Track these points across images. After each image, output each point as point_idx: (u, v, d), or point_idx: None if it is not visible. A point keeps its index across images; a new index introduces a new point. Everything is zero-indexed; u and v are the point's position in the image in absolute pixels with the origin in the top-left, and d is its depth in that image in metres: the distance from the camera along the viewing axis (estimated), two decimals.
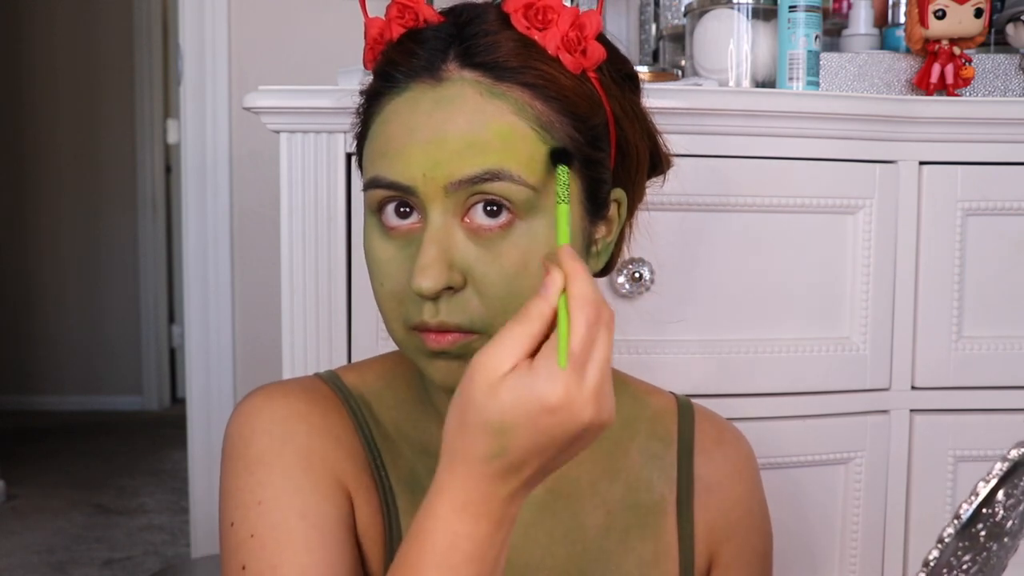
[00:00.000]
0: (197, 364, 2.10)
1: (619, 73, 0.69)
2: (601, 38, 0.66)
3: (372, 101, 0.66)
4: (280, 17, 2.01)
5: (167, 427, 3.98)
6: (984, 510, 0.53)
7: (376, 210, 0.64)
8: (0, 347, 4.22)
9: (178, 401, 4.41)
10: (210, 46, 2.02)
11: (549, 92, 0.63)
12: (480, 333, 0.62)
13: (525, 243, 0.62)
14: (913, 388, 1.13)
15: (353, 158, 1.04)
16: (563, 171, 0.61)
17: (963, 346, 1.12)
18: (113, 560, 2.62)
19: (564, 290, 0.54)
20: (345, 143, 1.04)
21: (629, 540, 0.74)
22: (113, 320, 4.36)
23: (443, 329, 0.62)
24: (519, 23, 0.64)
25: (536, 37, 0.64)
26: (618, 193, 0.69)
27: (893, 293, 1.11)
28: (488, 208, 0.61)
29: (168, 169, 4.39)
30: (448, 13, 0.66)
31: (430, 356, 0.64)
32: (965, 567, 0.54)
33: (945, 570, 0.53)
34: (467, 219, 0.62)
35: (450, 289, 0.61)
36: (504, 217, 0.61)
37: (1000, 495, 0.54)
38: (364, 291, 1.05)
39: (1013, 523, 0.55)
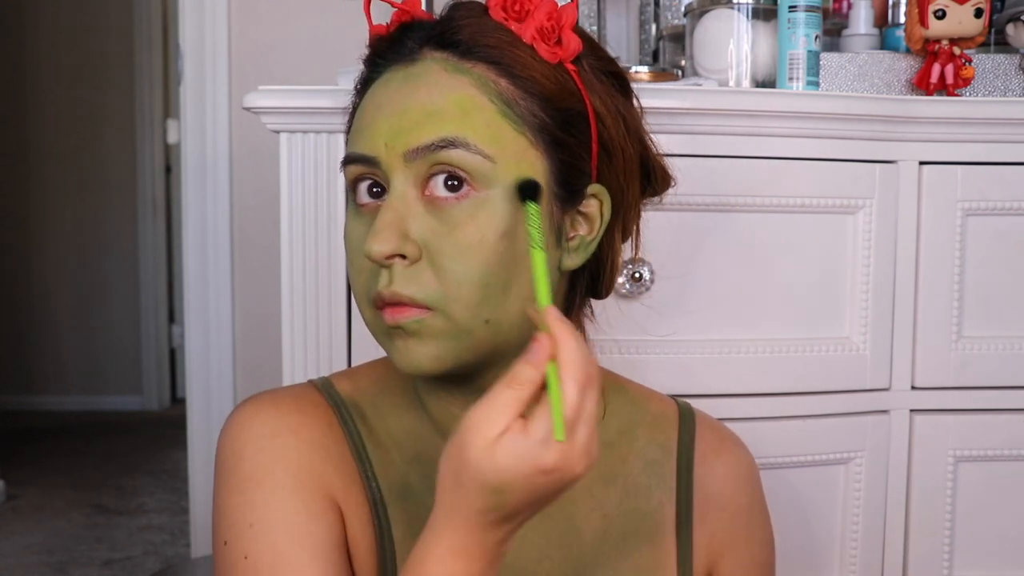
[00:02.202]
0: (197, 364, 2.10)
1: (602, 70, 0.69)
2: (580, 32, 0.67)
3: (359, 92, 0.69)
4: (280, 17, 2.02)
5: (167, 427, 3.98)
6: None
7: (351, 189, 0.66)
8: (0, 347, 4.22)
9: (178, 401, 4.41)
10: (210, 46, 2.02)
11: (514, 70, 0.64)
12: (435, 309, 0.62)
13: (482, 216, 0.62)
14: (913, 388, 1.13)
15: None
16: (534, 210, 0.61)
17: (963, 346, 1.12)
18: (113, 560, 2.62)
19: (552, 354, 0.55)
20: (345, 143, 1.04)
21: (626, 546, 0.73)
22: (113, 320, 4.36)
23: (396, 300, 0.62)
24: (496, 14, 0.66)
25: (512, 27, 0.65)
26: (596, 188, 0.68)
27: (893, 293, 1.11)
28: (448, 183, 0.62)
29: (168, 169, 4.39)
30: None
31: (390, 336, 0.64)
32: None
33: None
34: (427, 192, 0.63)
35: (403, 259, 0.62)
36: (463, 189, 0.62)
37: None
38: None
39: None
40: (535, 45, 0.65)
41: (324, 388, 0.73)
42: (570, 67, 0.66)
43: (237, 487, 0.67)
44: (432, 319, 0.62)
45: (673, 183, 0.75)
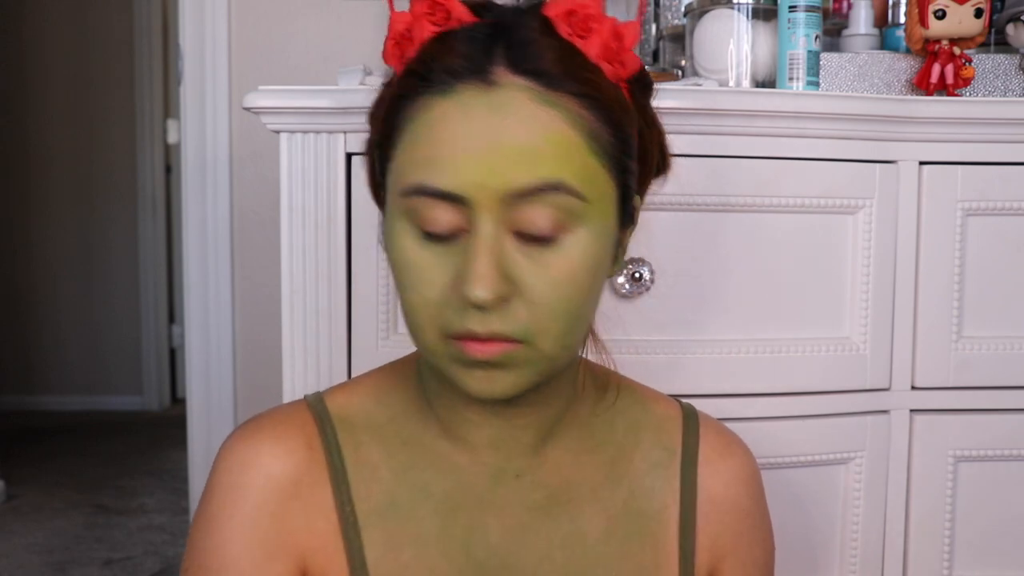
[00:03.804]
0: (197, 364, 2.10)
1: (641, 82, 0.69)
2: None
3: (405, 101, 0.63)
4: (280, 17, 2.01)
5: (167, 427, 3.98)
6: None
7: (413, 216, 0.62)
8: (0, 347, 4.22)
9: (178, 401, 4.41)
10: (210, 46, 2.02)
11: (597, 102, 0.62)
12: (523, 342, 0.62)
13: (574, 253, 0.62)
14: (913, 388, 1.13)
15: (355, 157, 1.04)
16: None
17: (963, 346, 1.12)
18: (113, 560, 2.62)
19: None
20: (345, 143, 1.04)
21: (629, 547, 0.73)
22: (113, 320, 4.36)
23: (492, 338, 0.61)
24: (562, 29, 0.63)
25: (578, 44, 0.63)
26: (637, 200, 0.70)
27: (893, 293, 1.11)
28: (542, 224, 0.61)
29: (168, 169, 4.39)
30: (480, 11, 0.65)
31: (468, 365, 0.63)
32: None
33: None
34: (519, 231, 0.61)
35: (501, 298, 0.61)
36: (556, 229, 0.61)
37: None
38: (364, 291, 1.05)
39: None
40: (600, 65, 0.64)
41: (315, 405, 0.74)
42: (623, 85, 0.66)
43: (205, 525, 0.70)
44: (519, 351, 0.62)
45: (671, 165, 0.75)
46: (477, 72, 0.61)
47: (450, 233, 0.61)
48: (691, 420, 0.79)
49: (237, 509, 0.69)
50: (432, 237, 0.62)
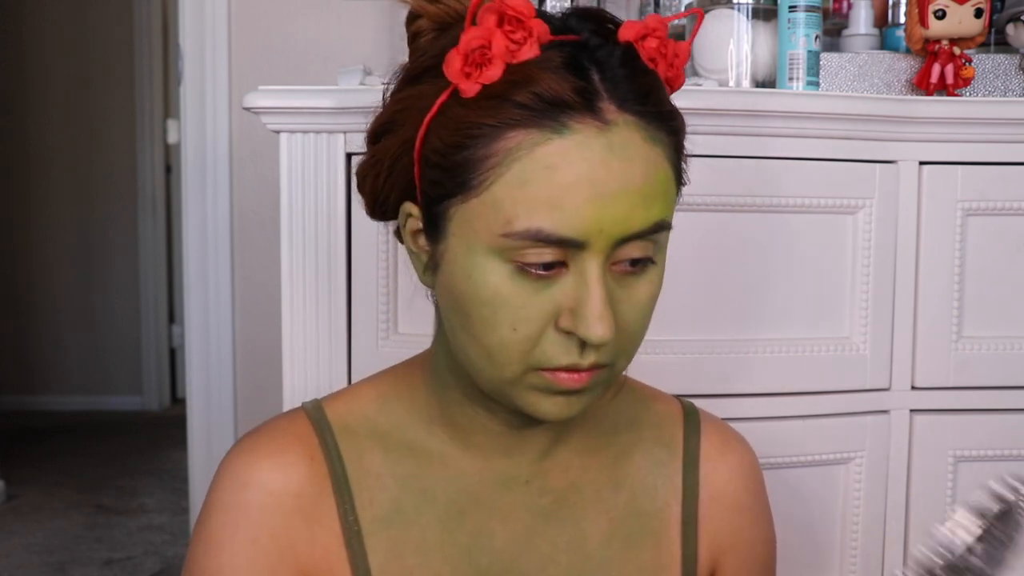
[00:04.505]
0: (197, 364, 2.10)
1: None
2: None
3: (497, 129, 0.58)
4: (280, 17, 2.01)
5: (167, 427, 3.98)
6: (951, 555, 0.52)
7: (511, 254, 0.59)
8: (0, 347, 4.22)
9: (178, 401, 4.41)
10: (210, 46, 2.02)
11: (676, 132, 0.63)
12: (608, 365, 0.63)
13: (655, 277, 0.63)
14: (913, 388, 1.13)
15: (355, 157, 1.04)
16: None
17: (963, 346, 1.12)
18: (113, 560, 2.62)
19: None
20: (345, 143, 1.04)
21: (631, 548, 0.73)
22: (113, 320, 4.36)
23: (592, 368, 0.62)
24: (644, 55, 0.62)
25: (656, 70, 0.63)
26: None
27: (893, 293, 1.11)
28: (639, 254, 0.61)
29: (168, 169, 4.39)
30: (554, 25, 0.61)
31: (551, 393, 0.63)
32: None
33: None
34: (619, 268, 0.61)
35: None
36: (647, 259, 0.62)
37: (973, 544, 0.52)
38: (364, 291, 1.05)
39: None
40: (666, 87, 0.64)
41: (314, 415, 0.73)
42: None
43: (204, 543, 0.69)
44: (603, 374, 0.63)
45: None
46: (589, 108, 0.58)
47: (549, 270, 0.60)
48: (692, 418, 0.79)
49: (238, 528, 0.68)
50: (532, 275, 0.60)
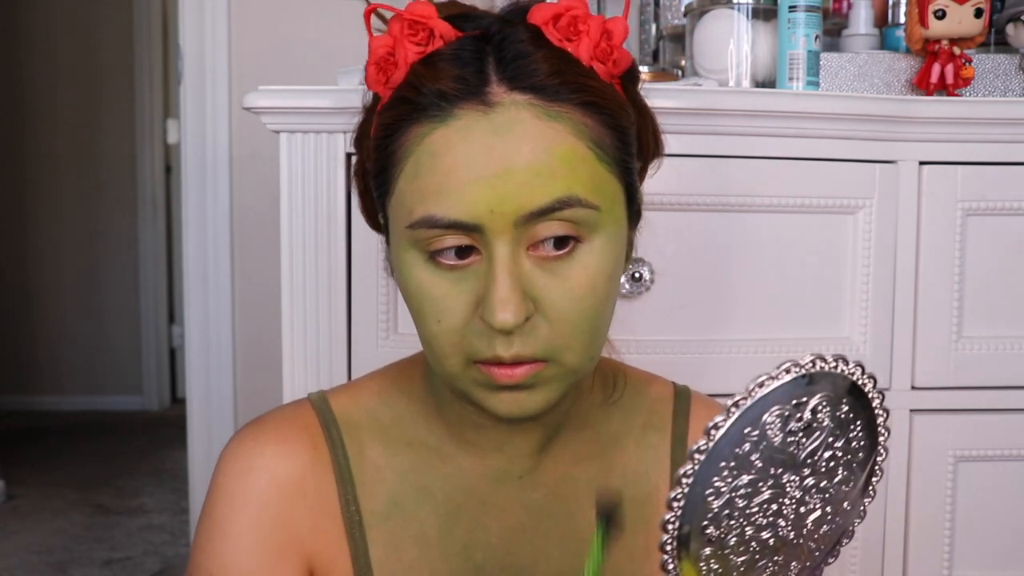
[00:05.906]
0: (197, 364, 2.10)
1: (630, 75, 0.68)
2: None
3: (398, 129, 0.61)
4: (280, 17, 2.01)
5: (167, 427, 3.98)
6: (750, 431, 0.47)
7: (422, 245, 0.60)
8: (0, 347, 4.22)
9: (178, 401, 4.41)
10: (210, 46, 2.02)
11: (598, 107, 0.61)
12: (549, 361, 0.61)
13: (591, 263, 0.61)
14: (913, 388, 1.13)
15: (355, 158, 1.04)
16: (599, 538, 0.57)
17: (963, 346, 1.12)
18: (113, 560, 2.62)
19: None
20: (345, 143, 1.04)
21: (623, 535, 0.74)
22: (113, 320, 4.36)
23: (518, 361, 0.60)
24: (552, 35, 0.62)
25: (569, 48, 0.62)
26: (641, 195, 0.68)
27: (893, 293, 1.11)
28: (557, 240, 0.60)
29: (168, 169, 4.40)
30: (462, 23, 0.63)
31: (494, 389, 0.62)
32: (743, 500, 0.48)
33: (713, 497, 0.47)
34: (537, 251, 0.60)
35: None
36: (572, 242, 0.60)
37: (774, 416, 0.47)
38: (364, 291, 1.05)
39: (819, 454, 0.49)
40: (593, 66, 0.62)
41: (318, 405, 0.73)
42: (616, 81, 0.65)
43: (208, 530, 0.70)
44: (545, 370, 0.62)
45: (663, 150, 0.74)
46: (473, 94, 0.59)
47: (463, 258, 0.60)
48: (683, 399, 0.78)
49: (243, 514, 0.69)
50: (445, 264, 0.60)
